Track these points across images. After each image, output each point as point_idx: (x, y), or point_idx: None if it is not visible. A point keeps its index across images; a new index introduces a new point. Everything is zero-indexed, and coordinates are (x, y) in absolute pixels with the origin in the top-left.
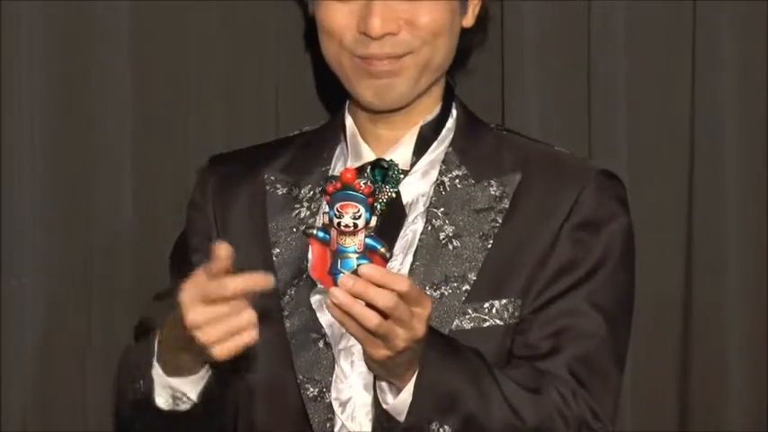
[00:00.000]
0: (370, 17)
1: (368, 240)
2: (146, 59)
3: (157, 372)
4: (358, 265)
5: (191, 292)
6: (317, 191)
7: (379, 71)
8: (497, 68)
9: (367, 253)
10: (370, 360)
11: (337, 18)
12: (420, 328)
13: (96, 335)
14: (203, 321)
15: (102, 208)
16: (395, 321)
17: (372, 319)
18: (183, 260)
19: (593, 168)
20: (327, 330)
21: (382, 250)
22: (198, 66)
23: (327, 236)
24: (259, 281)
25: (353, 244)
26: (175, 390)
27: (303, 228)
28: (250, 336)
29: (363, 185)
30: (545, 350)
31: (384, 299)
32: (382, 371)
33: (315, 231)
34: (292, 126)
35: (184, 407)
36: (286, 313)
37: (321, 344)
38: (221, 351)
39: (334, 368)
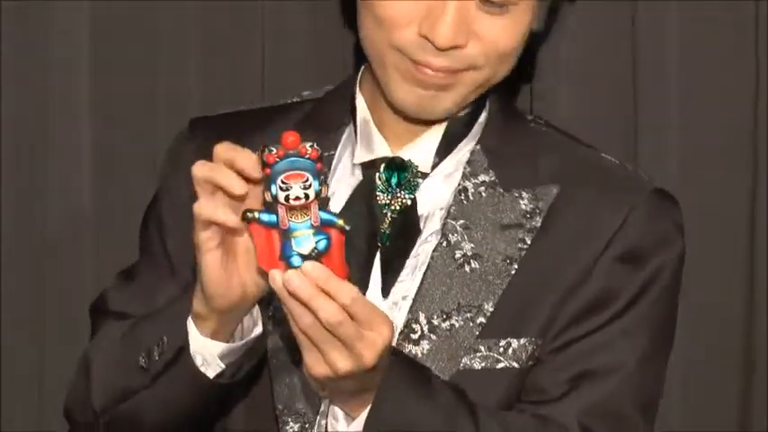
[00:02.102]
0: (440, 23)
1: (323, 213)
2: (107, 10)
3: (192, 329)
4: (317, 242)
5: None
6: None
7: (431, 83)
8: None
9: (323, 228)
10: (308, 374)
11: (397, 9)
12: (368, 357)
13: (51, 331)
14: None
15: (56, 190)
16: (336, 337)
17: (304, 318)
18: (156, 245)
19: (646, 187)
20: None
21: (340, 223)
22: (170, 16)
23: (274, 216)
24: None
25: (307, 218)
26: (203, 350)
27: (242, 212)
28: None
29: (310, 149)
30: (556, 395)
31: (327, 312)
32: (323, 392)
33: (257, 214)
34: (280, 91)
35: (208, 373)
36: (270, 327)
37: None
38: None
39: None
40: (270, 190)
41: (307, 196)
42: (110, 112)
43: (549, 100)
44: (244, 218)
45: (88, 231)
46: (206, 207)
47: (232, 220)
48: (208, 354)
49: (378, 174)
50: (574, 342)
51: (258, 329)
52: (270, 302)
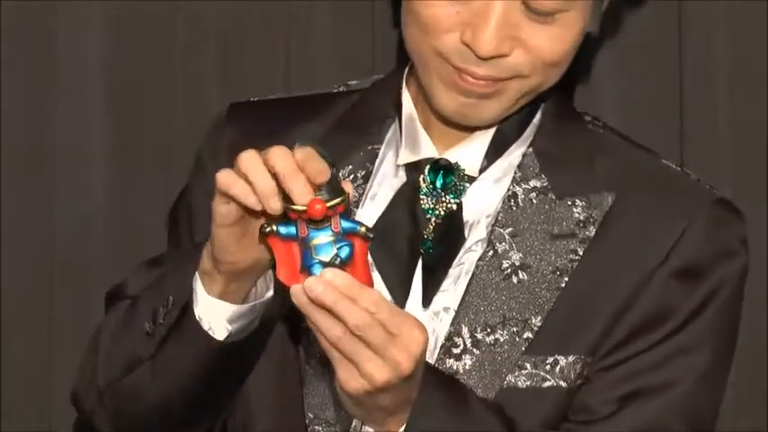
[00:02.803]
0: (483, 31)
1: (344, 222)
2: (122, 8)
3: (199, 287)
4: (338, 249)
5: None
6: (359, 174)
7: (473, 91)
8: None
9: (345, 236)
10: (343, 393)
11: (439, 16)
12: (404, 363)
13: (59, 333)
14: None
15: (69, 188)
16: (366, 344)
17: (331, 329)
18: (185, 238)
19: (709, 197)
20: None
21: (363, 230)
22: (188, 9)
23: (293, 227)
24: None
25: (327, 225)
26: (210, 312)
27: (260, 227)
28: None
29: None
30: (604, 415)
31: (353, 315)
32: (358, 411)
33: (275, 227)
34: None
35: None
36: (305, 325)
37: None
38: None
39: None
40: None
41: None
42: (124, 110)
43: (590, 100)
44: (261, 232)
45: (100, 233)
46: (228, 177)
47: (252, 201)
48: (215, 315)
49: (422, 176)
50: (626, 360)
51: (270, 293)
52: None
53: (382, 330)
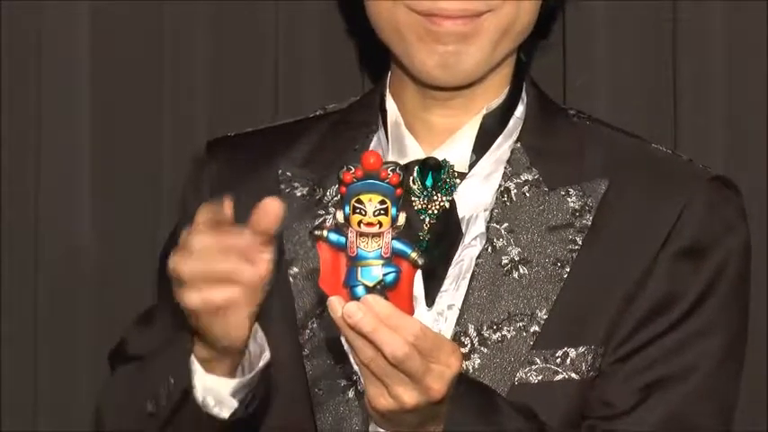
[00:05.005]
0: None
1: (396, 244)
2: (107, 32)
3: (196, 367)
4: (384, 275)
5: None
6: None
7: (449, 32)
8: (557, 36)
9: (394, 259)
10: (369, 406)
11: None
12: (437, 389)
13: (44, 377)
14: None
15: (53, 218)
16: (402, 371)
17: (365, 351)
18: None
19: (703, 175)
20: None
21: (413, 256)
22: (174, 34)
23: (343, 238)
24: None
25: (378, 248)
26: (213, 391)
27: (311, 229)
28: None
29: (391, 173)
30: (626, 408)
31: (391, 346)
32: (385, 424)
33: (325, 233)
34: (295, 106)
35: (223, 413)
36: (306, 352)
37: (351, 393)
38: (191, 296)
39: (368, 427)
40: (343, 210)
41: (380, 224)
42: (110, 135)
43: (584, 96)
44: (312, 234)
45: (88, 266)
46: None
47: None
48: (218, 392)
49: (412, 177)
50: (641, 349)
51: (266, 355)
52: (304, 326)
53: (420, 361)
